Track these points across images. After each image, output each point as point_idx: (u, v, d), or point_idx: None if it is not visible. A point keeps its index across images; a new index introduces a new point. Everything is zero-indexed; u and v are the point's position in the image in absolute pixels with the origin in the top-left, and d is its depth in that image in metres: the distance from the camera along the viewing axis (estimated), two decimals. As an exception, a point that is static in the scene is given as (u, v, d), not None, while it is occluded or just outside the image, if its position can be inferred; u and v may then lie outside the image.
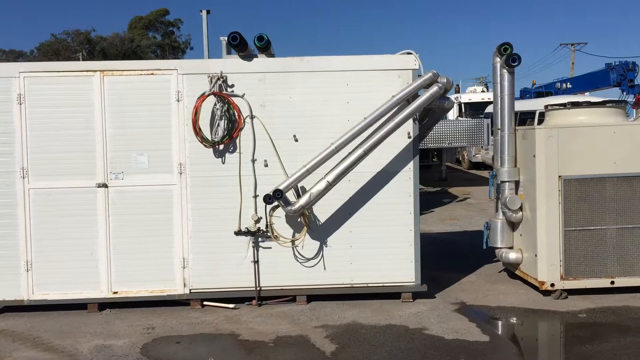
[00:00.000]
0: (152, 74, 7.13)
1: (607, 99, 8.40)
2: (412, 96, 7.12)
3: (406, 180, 7.28)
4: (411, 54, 7.25)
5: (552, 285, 7.37)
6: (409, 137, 7.26)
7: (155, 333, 6.44)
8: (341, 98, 7.21)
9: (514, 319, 6.74)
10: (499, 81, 7.87)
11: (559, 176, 7.31)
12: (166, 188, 7.19)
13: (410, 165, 7.29)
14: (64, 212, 7.16)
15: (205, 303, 7.30)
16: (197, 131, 7.01)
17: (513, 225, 8.07)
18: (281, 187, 6.86)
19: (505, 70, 7.76)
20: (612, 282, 7.38)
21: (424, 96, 6.97)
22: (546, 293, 7.45)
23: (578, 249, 7.37)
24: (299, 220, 7.12)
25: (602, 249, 7.37)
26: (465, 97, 29.34)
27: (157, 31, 76.79)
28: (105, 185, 7.15)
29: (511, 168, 7.84)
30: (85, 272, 7.20)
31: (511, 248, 8.09)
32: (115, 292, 7.23)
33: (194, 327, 6.59)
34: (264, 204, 7.02)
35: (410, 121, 7.22)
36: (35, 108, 7.10)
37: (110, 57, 62.06)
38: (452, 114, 30.96)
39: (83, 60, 56.16)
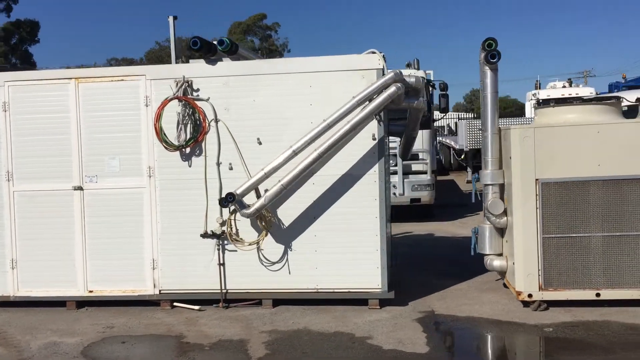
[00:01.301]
0: (122, 80, 7.34)
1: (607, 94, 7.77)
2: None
3: (371, 183, 7.06)
4: (375, 53, 7.03)
5: (530, 295, 6.89)
6: (374, 139, 7.03)
7: (111, 332, 6.62)
8: (304, 100, 7.11)
9: (471, 330, 6.36)
10: (482, 79, 7.47)
11: (536, 179, 6.83)
12: (136, 191, 7.37)
13: (376, 168, 7.06)
14: (44, 214, 7.52)
15: (175, 304, 7.42)
16: (160, 135, 7.14)
17: (502, 232, 7.62)
18: (238, 191, 6.87)
19: (487, 67, 7.35)
20: (598, 295, 6.79)
21: (380, 98, 6.73)
22: (527, 304, 6.98)
23: (559, 257, 6.84)
24: (258, 223, 7.07)
25: (586, 258, 6.80)
26: (543, 94, 27.94)
27: (255, 35, 78.96)
28: (80, 188, 7.43)
29: (495, 170, 7.42)
30: (64, 271, 7.52)
31: (501, 255, 7.65)
32: (90, 291, 7.51)
33: (149, 328, 6.72)
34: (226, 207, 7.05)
35: (375, 123, 7.01)
36: (19, 115, 7.50)
37: (209, 61, 64.33)
38: (531, 112, 29.60)
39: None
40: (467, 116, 42.77)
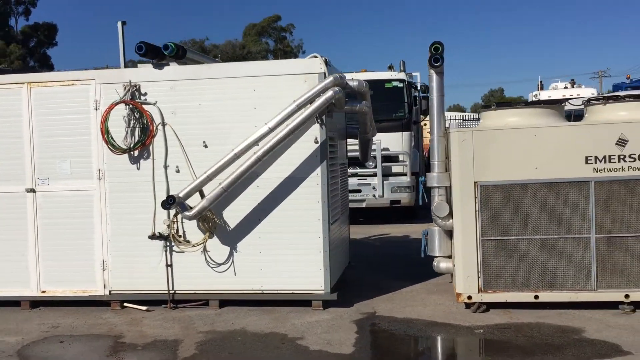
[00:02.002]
0: (73, 84, 7.49)
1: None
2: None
3: (314, 186, 7.14)
4: (317, 57, 7.12)
5: (470, 297, 6.94)
6: (316, 142, 7.11)
7: (54, 332, 6.77)
8: (249, 104, 7.20)
9: (403, 332, 6.41)
10: (429, 82, 7.55)
11: (475, 182, 6.88)
12: (87, 193, 7.52)
13: (318, 171, 7.13)
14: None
15: (125, 304, 7.56)
16: (106, 139, 7.27)
17: (451, 234, 7.66)
18: (181, 194, 6.99)
19: (432, 71, 7.41)
20: (536, 297, 6.82)
21: (318, 102, 6.81)
22: (469, 306, 7.02)
23: (498, 260, 6.88)
24: (203, 225, 7.18)
25: (524, 260, 6.83)
26: (544, 95, 27.84)
27: (270, 37, 79.45)
28: (33, 191, 7.60)
29: (441, 173, 7.45)
30: (19, 272, 7.68)
31: (450, 257, 7.69)
32: (43, 291, 7.67)
33: (92, 328, 6.86)
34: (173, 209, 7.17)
35: (317, 126, 7.09)
36: (-24, 119, 7.68)
37: (222, 63, 65.16)
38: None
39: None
40: (474, 117, 42.64)
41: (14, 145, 7.62)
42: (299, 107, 6.88)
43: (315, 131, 7.11)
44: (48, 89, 7.53)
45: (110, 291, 7.54)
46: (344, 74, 7.28)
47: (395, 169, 14.26)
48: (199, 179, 7.01)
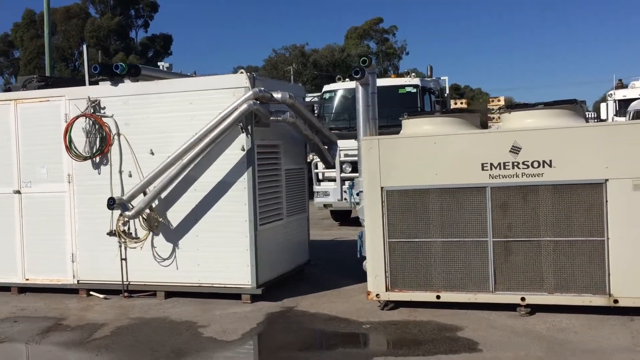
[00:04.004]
0: (48, 100, 8.67)
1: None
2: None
3: (241, 190, 7.84)
4: (243, 72, 7.81)
5: (378, 296, 7.37)
6: (243, 150, 7.81)
7: (19, 313, 7.93)
8: (187, 116, 8.02)
9: (297, 324, 6.97)
10: (356, 93, 8.04)
11: (382, 187, 7.30)
12: (59, 195, 8.66)
13: (245, 176, 7.83)
14: (-7, 213, 9.03)
15: (91, 293, 8.62)
16: (68, 148, 8.36)
17: (382, 235, 8.08)
18: (125, 196, 7.95)
19: (358, 82, 7.91)
20: (438, 297, 7.14)
21: (234, 114, 7.50)
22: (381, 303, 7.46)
23: (404, 260, 7.26)
24: (145, 224, 8.09)
25: (427, 262, 7.17)
26: (619, 94, 26.62)
27: (372, 39, 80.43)
28: (19, 192, 8.85)
29: (367, 178, 7.91)
30: (8, 262, 8.96)
31: (382, 258, 8.11)
32: (27, 279, 8.90)
33: (48, 312, 7.95)
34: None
35: (244, 135, 7.79)
36: (-24, 131, 9.05)
37: (321, 67, 67.10)
38: (608, 113, 28.01)
39: (293, 72, 62.06)
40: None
41: (5, 153, 8.90)
42: (223, 119, 7.61)
43: (242, 140, 7.81)
44: (30, 104, 8.76)
45: (78, 280, 8.63)
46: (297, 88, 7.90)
47: None
48: (140, 182, 7.93)
